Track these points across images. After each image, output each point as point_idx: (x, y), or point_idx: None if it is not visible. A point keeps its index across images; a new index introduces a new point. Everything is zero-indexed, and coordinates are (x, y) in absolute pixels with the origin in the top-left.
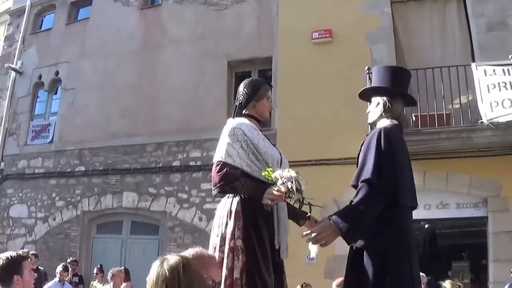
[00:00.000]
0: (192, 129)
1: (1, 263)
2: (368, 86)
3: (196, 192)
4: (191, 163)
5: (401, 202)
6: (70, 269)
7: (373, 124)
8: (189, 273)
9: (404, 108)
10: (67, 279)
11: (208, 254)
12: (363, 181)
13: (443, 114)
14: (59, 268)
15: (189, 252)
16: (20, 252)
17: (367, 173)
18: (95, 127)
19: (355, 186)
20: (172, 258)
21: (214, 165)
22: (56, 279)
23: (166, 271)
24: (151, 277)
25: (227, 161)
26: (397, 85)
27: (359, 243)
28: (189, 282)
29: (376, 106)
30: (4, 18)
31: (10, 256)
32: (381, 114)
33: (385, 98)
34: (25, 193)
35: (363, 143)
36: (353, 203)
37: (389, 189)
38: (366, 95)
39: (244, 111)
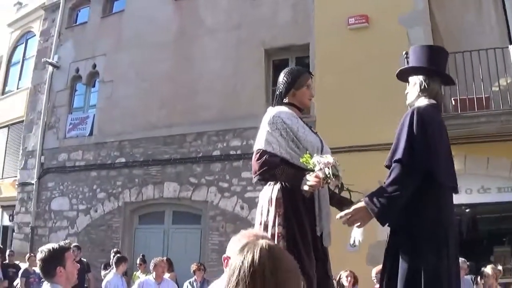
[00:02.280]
0: (231, 118)
1: (44, 255)
2: (404, 67)
3: (237, 181)
4: (231, 152)
5: (438, 181)
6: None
7: (411, 105)
8: (281, 262)
9: (444, 91)
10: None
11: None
12: (395, 161)
13: (482, 97)
14: (114, 260)
15: (254, 234)
16: (62, 243)
17: (399, 154)
18: (134, 118)
19: (388, 167)
20: (259, 244)
21: (254, 153)
22: (114, 270)
23: (256, 259)
24: (234, 267)
25: (266, 149)
26: (434, 64)
27: (394, 224)
28: (285, 271)
29: (413, 86)
30: (38, 13)
31: (52, 248)
32: (418, 94)
33: (421, 77)
34: (66, 186)
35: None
36: (385, 184)
37: (422, 169)
38: (404, 76)
39: (284, 99)
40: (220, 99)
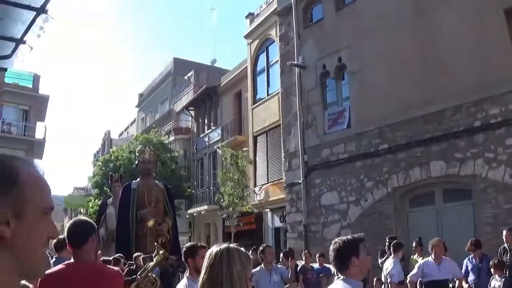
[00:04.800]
0: (485, 86)
1: (338, 246)
2: None
3: (502, 149)
4: (492, 121)
5: None
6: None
7: None
8: None
9: None
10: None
11: None
12: None
13: None
14: (393, 246)
15: None
16: (356, 235)
17: None
18: (389, 103)
19: None
20: None
21: None
22: (391, 256)
23: None
24: None
25: None
26: None
27: None
28: None
29: None
30: (272, 20)
31: (347, 239)
32: None
33: None
34: (333, 180)
35: None
36: None
37: None
38: None
39: None
40: (470, 68)
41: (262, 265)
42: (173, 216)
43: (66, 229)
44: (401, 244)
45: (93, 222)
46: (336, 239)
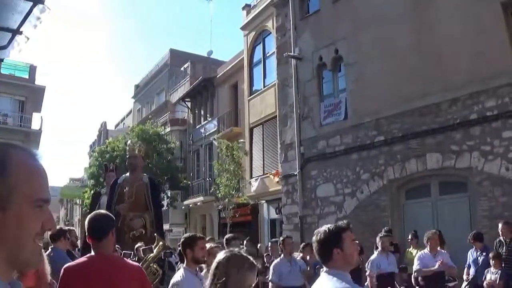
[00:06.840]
0: (482, 78)
1: (319, 237)
2: None
3: (498, 142)
4: (488, 113)
5: None
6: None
7: None
8: None
9: None
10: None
11: None
12: None
13: None
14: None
15: None
16: (339, 224)
17: None
18: (386, 95)
19: None
20: None
21: None
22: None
23: None
24: None
25: None
26: None
27: None
28: None
29: None
30: (269, 11)
31: (328, 229)
32: None
33: None
34: (329, 172)
35: None
36: None
37: None
38: None
39: None
40: (468, 60)
41: (282, 255)
42: (158, 211)
43: (87, 221)
44: (385, 237)
45: (113, 216)
46: (318, 229)
